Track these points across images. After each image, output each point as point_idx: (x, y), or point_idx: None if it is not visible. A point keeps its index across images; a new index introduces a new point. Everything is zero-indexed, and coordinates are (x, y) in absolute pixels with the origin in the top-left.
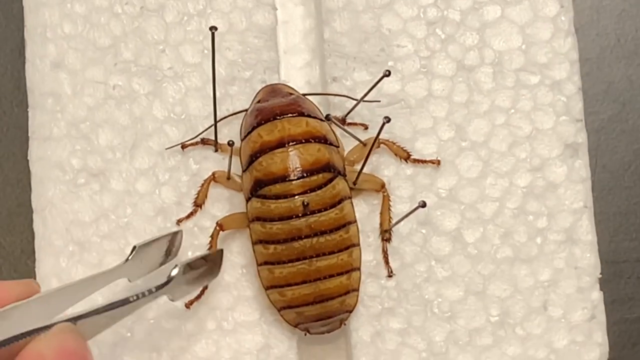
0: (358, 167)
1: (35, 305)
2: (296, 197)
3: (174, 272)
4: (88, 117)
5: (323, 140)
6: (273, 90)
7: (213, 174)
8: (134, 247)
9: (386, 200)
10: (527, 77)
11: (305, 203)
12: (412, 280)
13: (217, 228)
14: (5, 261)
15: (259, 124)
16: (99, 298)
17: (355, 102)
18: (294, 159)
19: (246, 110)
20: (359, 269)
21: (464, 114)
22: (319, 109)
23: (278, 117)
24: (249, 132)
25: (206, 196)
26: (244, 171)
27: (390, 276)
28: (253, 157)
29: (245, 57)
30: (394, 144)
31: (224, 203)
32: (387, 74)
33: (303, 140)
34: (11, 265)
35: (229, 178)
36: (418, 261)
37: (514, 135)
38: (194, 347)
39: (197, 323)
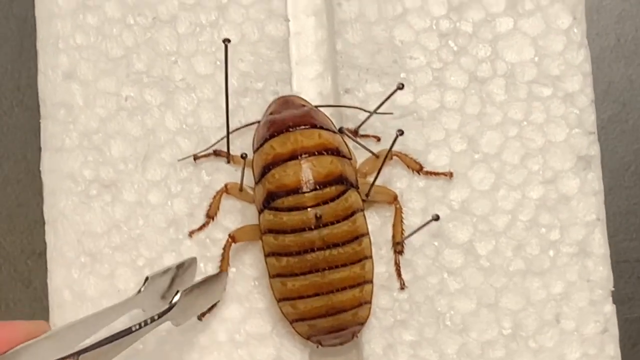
0: (370, 179)
1: (45, 344)
2: (309, 209)
3: (176, 298)
4: (100, 128)
5: (336, 152)
6: (286, 102)
7: (225, 185)
8: (147, 278)
9: (398, 212)
10: (539, 89)
11: (318, 215)
12: (425, 292)
13: (230, 240)
14: (5, 261)
15: (271, 136)
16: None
17: (367, 114)
18: (306, 171)
19: (259, 121)
20: (371, 281)
21: (477, 126)
22: (331, 121)
23: (291, 129)
24: (262, 144)
25: (218, 208)
26: (256, 183)
27: (402, 288)
28: (265, 169)
29: (257, 68)
30: (407, 156)
31: (236, 215)
32: (401, 86)
33: (316, 153)
34: (11, 265)
35: (241, 190)
36: (430, 273)
37: (526, 148)
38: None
39: (209, 335)
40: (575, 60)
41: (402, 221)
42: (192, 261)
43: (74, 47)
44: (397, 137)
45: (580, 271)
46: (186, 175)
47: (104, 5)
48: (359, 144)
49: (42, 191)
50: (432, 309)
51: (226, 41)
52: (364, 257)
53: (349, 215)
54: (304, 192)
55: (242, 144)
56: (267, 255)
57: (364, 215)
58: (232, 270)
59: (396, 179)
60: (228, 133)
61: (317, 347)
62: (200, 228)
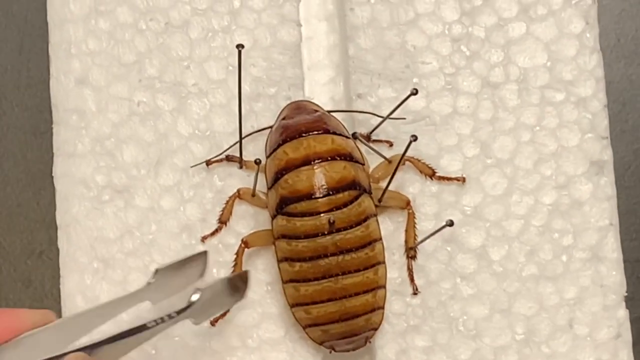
0: (383, 184)
1: (51, 333)
2: (322, 214)
3: (195, 297)
4: (112, 134)
5: (349, 157)
6: (298, 107)
7: (238, 191)
8: (156, 270)
9: (411, 217)
10: (552, 94)
11: (331, 221)
12: (437, 297)
13: (242, 245)
14: (5, 261)
15: (284, 141)
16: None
17: (380, 119)
18: (319, 177)
19: (271, 127)
20: (384, 286)
21: (489, 131)
22: (344, 126)
23: (303, 135)
24: (275, 150)
25: (231, 213)
26: (269, 188)
27: (415, 294)
28: (278, 175)
29: (269, 73)
30: (419, 161)
31: (249, 220)
32: (415, 92)
33: (329, 158)
34: (11, 265)
35: (254, 195)
36: (443, 279)
37: (539, 153)
38: None
39: (222, 340)
40: (588, 65)
41: (414, 226)
42: (202, 255)
43: (86, 53)
44: (410, 142)
45: (593, 276)
46: (199, 180)
47: (116, 11)
48: (372, 149)
49: (41, 191)
50: (445, 314)
51: (240, 47)
52: (377, 263)
53: (362, 220)
54: (317, 198)
55: (255, 149)
56: (280, 261)
57: (377, 221)
58: None
59: (409, 184)
60: (241, 138)
61: (330, 352)
62: (213, 233)
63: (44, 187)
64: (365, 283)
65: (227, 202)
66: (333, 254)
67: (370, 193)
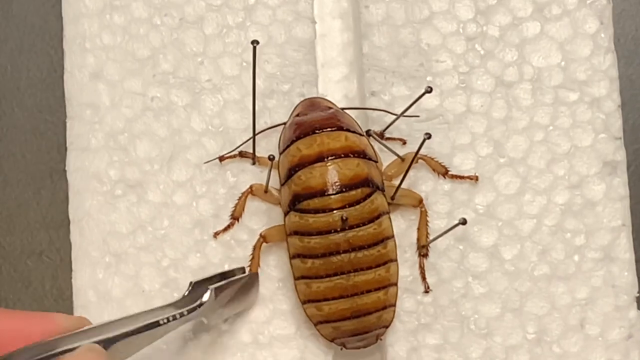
0: (396, 181)
1: (80, 337)
2: (335, 211)
3: (206, 296)
4: (126, 129)
5: (362, 154)
6: (312, 104)
7: (251, 187)
8: (191, 283)
9: (424, 215)
10: (566, 94)
11: (344, 218)
12: (449, 296)
13: (261, 240)
14: (5, 261)
15: (298, 138)
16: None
17: (393, 116)
18: (332, 174)
19: (284, 123)
20: (396, 284)
21: (503, 130)
22: (357, 123)
23: (317, 131)
24: (288, 146)
25: (243, 209)
26: (282, 185)
27: (427, 292)
28: (292, 171)
29: (283, 70)
30: (432, 159)
31: (261, 216)
32: (429, 90)
33: (342, 155)
34: (11, 265)
35: (266, 191)
36: (455, 277)
37: (552, 152)
38: None
39: (233, 336)
40: (602, 66)
41: (427, 224)
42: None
43: (100, 47)
44: (424, 140)
45: (605, 276)
46: (211, 176)
47: (130, 6)
48: (386, 146)
49: (41, 191)
50: (457, 313)
51: (254, 43)
52: (389, 260)
53: (375, 217)
54: (330, 195)
55: (268, 146)
56: (292, 257)
57: (389, 218)
58: None
59: (421, 182)
60: (254, 134)
61: (341, 349)
62: (225, 229)
63: (44, 187)
64: (377, 280)
65: (240, 198)
66: (345, 251)
67: (383, 190)
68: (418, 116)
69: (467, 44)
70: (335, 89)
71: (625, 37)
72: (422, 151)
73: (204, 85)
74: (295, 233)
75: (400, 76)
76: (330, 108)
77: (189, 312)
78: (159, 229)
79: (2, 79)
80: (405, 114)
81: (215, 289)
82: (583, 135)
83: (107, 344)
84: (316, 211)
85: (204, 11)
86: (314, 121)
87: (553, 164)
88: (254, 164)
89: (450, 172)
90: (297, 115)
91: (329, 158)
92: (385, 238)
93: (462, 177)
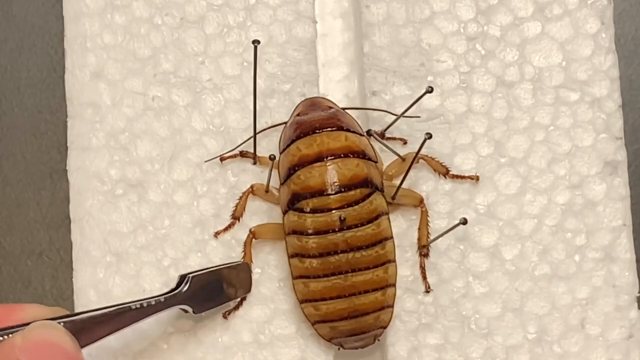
0: (396, 181)
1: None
2: (333, 211)
3: (183, 283)
4: (127, 128)
5: (362, 155)
6: (313, 103)
7: (251, 186)
8: (179, 276)
9: (424, 215)
10: (567, 94)
11: (342, 218)
12: (450, 296)
13: (250, 235)
14: (5, 261)
15: (298, 137)
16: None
17: (394, 116)
18: (332, 174)
19: (285, 123)
20: (394, 285)
21: (503, 130)
22: (358, 123)
23: (317, 131)
24: (288, 145)
25: (244, 209)
26: (281, 184)
27: (427, 292)
28: (291, 170)
29: (284, 69)
30: (433, 159)
31: (262, 216)
32: (430, 90)
33: (342, 155)
34: (11, 265)
35: (267, 191)
36: (456, 277)
37: (553, 152)
38: None
39: (234, 336)
40: (603, 66)
41: (427, 224)
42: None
43: (101, 47)
44: (425, 140)
45: (606, 276)
46: (212, 175)
47: (131, 5)
48: (386, 146)
49: (41, 191)
50: (457, 313)
51: (256, 42)
52: (387, 261)
53: (374, 218)
54: (329, 194)
55: (269, 145)
56: (290, 256)
57: (388, 219)
58: (257, 271)
59: (422, 182)
60: (255, 134)
61: (339, 349)
62: (226, 229)
63: (44, 187)
64: (375, 281)
65: (241, 197)
66: (343, 251)
67: (382, 191)
68: (419, 117)
69: (468, 43)
70: (336, 89)
71: (626, 38)
72: (422, 151)
73: (205, 84)
74: (294, 232)
75: (401, 76)
76: (331, 108)
77: (166, 299)
78: (159, 228)
79: (2, 79)
80: (405, 114)
81: (193, 277)
82: (584, 135)
83: (73, 325)
84: (315, 211)
85: (205, 11)
86: (314, 121)
87: (554, 163)
88: (254, 163)
89: (451, 172)
90: (298, 114)
91: (329, 158)
92: (383, 239)
93: (462, 177)
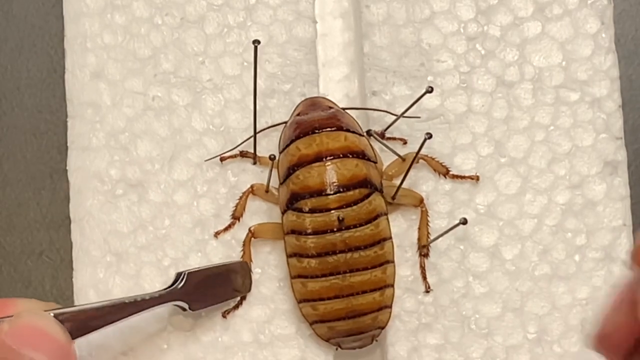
0: (396, 181)
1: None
2: (332, 211)
3: (178, 279)
4: (127, 128)
5: (361, 155)
6: (313, 103)
7: (252, 186)
8: (182, 273)
9: (424, 215)
10: (567, 94)
11: (341, 218)
12: (450, 296)
13: (249, 235)
14: (5, 261)
15: (297, 137)
16: None
17: (394, 116)
18: (331, 174)
19: (285, 122)
20: (392, 285)
21: (504, 130)
22: (358, 123)
23: (317, 131)
24: (288, 145)
25: (244, 209)
26: (281, 184)
27: (427, 292)
28: (290, 170)
29: (284, 69)
30: (433, 159)
31: (262, 216)
32: (430, 90)
33: (341, 155)
34: (11, 265)
35: (267, 191)
36: (456, 277)
37: (553, 152)
38: None
39: (234, 336)
40: (603, 66)
41: (427, 224)
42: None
43: (101, 47)
44: (425, 140)
45: (606, 276)
46: (212, 175)
47: (131, 5)
48: (386, 146)
49: (41, 191)
50: (457, 313)
51: (256, 42)
52: (386, 262)
53: (372, 218)
54: (328, 194)
55: (269, 145)
56: (289, 256)
57: (387, 220)
58: (257, 271)
59: (422, 182)
60: (255, 134)
61: (337, 349)
62: (226, 229)
63: (44, 187)
64: (373, 281)
65: (241, 197)
66: (341, 251)
67: (381, 191)
68: (419, 117)
69: (468, 43)
70: (336, 89)
71: (626, 38)
72: (422, 151)
73: (205, 84)
74: (292, 232)
75: (401, 76)
76: (331, 108)
77: (161, 294)
78: (159, 228)
79: (2, 79)
80: (406, 114)
81: (189, 273)
82: (584, 135)
83: (64, 316)
84: (313, 211)
85: (205, 11)
86: (314, 121)
87: (554, 163)
88: (254, 163)
89: (451, 172)
90: (298, 114)
91: (328, 158)
92: (382, 239)
93: (462, 177)
